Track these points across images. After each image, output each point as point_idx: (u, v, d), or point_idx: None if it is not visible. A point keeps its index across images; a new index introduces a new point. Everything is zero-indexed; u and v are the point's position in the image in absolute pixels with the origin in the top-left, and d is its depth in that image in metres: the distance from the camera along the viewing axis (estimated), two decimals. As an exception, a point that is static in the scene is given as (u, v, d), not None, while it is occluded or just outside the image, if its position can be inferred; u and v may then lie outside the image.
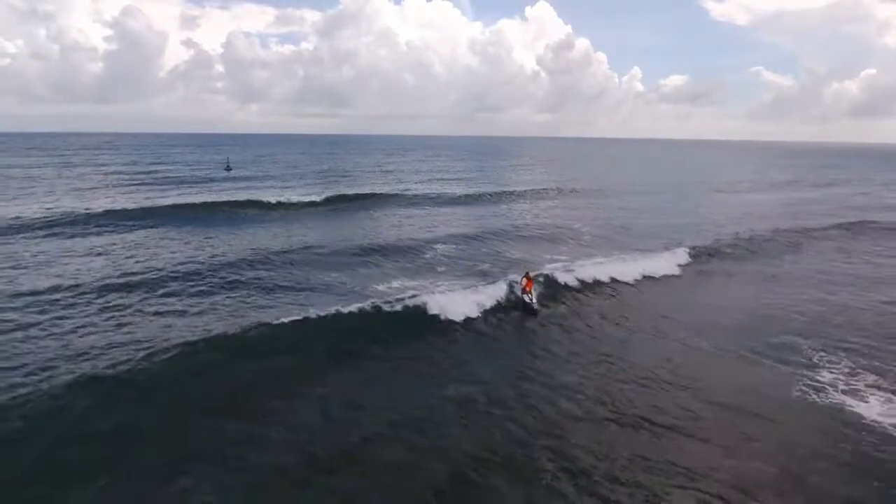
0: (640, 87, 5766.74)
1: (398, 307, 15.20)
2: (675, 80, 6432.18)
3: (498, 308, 16.36)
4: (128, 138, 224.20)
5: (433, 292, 16.40)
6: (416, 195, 43.92)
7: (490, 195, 45.56)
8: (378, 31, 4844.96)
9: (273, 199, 36.31)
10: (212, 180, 53.59)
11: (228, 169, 66.45)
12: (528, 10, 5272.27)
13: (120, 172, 59.85)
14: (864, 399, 11.57)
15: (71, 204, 33.33)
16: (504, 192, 47.89)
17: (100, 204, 33.51)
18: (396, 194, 43.66)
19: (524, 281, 16.86)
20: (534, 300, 16.35)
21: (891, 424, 10.55)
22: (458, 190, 48.80)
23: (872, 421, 10.71)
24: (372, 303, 15.31)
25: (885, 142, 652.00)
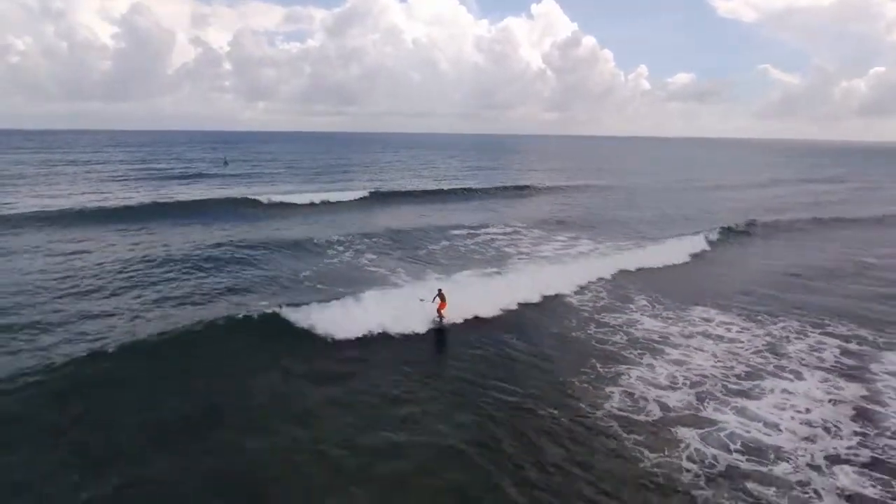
0: (646, 84, 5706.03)
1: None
2: (682, 77, 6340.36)
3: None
4: (135, 136, 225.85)
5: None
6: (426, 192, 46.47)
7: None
8: (385, 28, 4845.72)
9: (250, 197, 38.04)
10: (202, 176, 57.13)
11: (226, 164, 73.34)
12: (535, 8, 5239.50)
13: (115, 169, 62.96)
14: (581, 294, 18.53)
15: (58, 201, 35.31)
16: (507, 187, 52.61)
17: (80, 201, 35.60)
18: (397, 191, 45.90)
19: (438, 301, 15.00)
20: (443, 322, 14.97)
21: (583, 304, 17.52)
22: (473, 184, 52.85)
23: (578, 305, 17.73)
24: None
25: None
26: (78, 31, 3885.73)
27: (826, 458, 9.53)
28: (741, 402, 11.41)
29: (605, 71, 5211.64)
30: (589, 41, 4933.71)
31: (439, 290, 15.25)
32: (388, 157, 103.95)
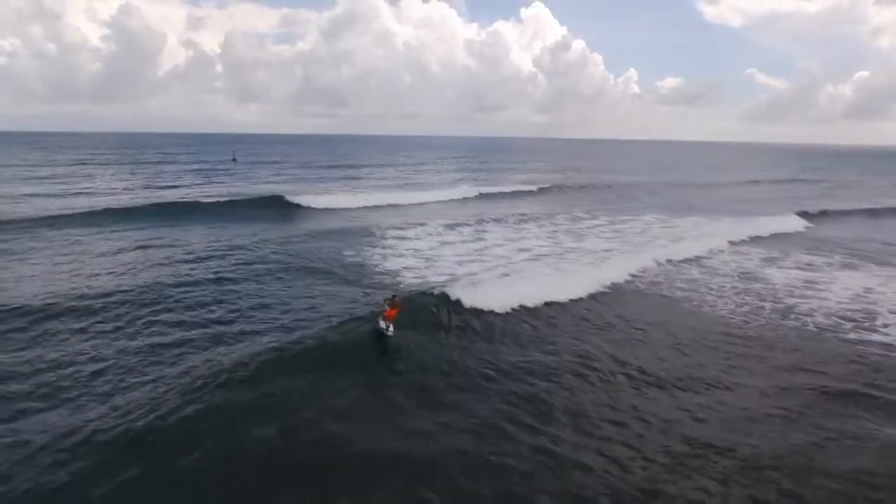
0: (636, 88, 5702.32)
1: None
2: (671, 81, 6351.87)
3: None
4: (126, 138, 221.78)
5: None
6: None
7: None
8: (375, 31, 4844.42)
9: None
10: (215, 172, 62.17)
11: (234, 160, 79.98)
12: (524, 11, 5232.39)
13: (147, 169, 65.86)
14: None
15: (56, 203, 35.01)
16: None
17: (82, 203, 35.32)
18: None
19: (386, 306, 13.85)
20: (389, 329, 13.46)
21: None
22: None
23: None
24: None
25: (882, 144, 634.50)
26: (67, 33, 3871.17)
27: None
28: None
29: (595, 74, 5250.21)
30: (579, 45, 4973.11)
31: (393, 296, 14.24)
32: (399, 160, 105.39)
